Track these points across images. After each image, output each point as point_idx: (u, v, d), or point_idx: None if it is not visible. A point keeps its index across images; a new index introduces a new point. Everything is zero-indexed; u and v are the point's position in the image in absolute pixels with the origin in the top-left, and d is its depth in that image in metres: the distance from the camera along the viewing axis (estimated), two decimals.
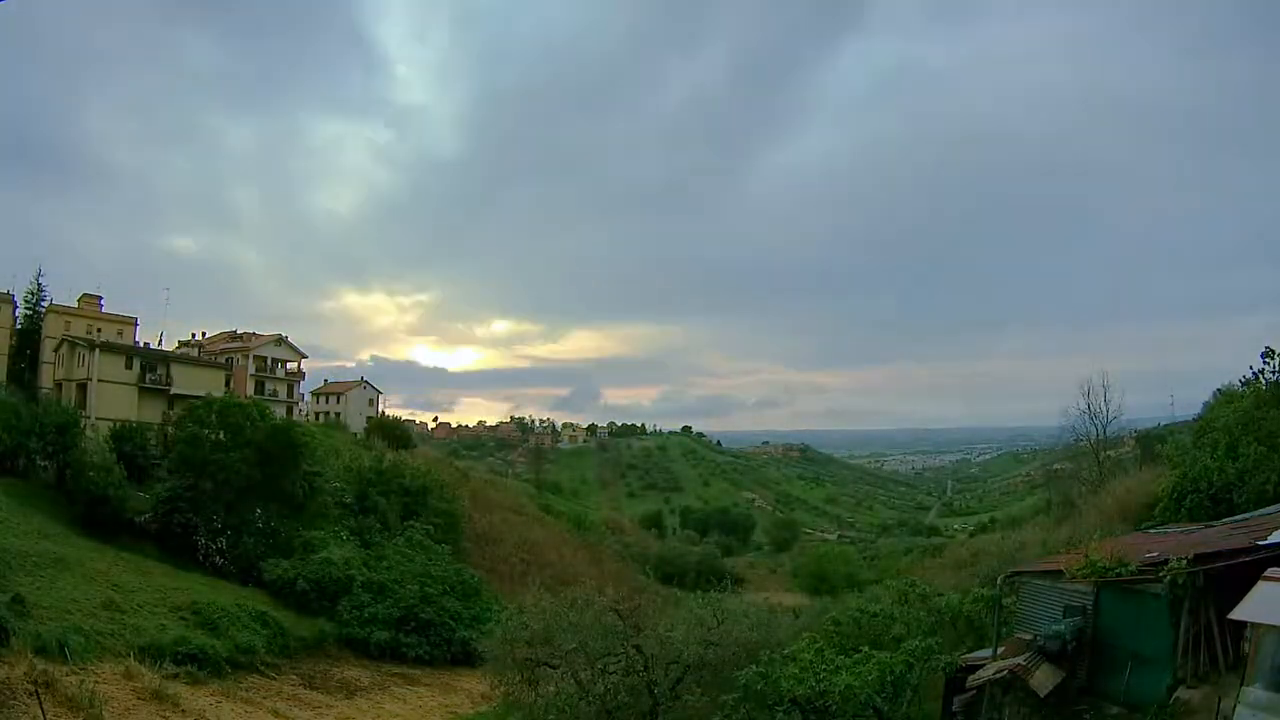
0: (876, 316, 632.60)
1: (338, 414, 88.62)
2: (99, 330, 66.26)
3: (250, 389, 72.30)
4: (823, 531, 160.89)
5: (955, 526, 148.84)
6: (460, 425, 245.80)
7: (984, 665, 13.93)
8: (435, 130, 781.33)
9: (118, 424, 48.33)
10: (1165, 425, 49.77)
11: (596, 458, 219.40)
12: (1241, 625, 10.25)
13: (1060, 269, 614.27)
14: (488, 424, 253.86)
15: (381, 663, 34.01)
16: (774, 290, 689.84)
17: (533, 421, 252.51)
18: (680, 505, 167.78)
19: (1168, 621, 11.89)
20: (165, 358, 64.83)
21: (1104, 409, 40.89)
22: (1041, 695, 12.61)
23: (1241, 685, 9.59)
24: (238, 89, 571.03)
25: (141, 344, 69.59)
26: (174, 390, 58.79)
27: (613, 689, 18.18)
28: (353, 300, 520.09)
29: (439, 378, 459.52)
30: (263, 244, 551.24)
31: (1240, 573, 10.79)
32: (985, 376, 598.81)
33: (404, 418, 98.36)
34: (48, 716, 18.09)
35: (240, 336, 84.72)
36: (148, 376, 58.83)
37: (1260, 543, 11.30)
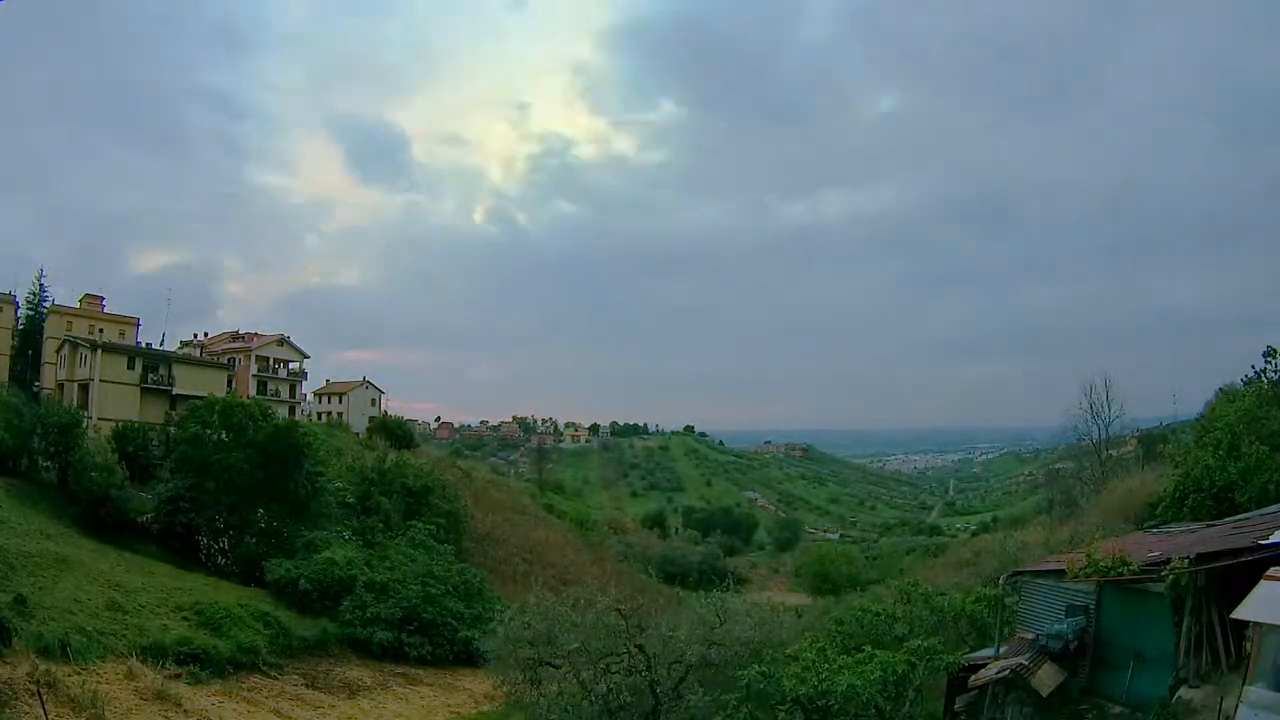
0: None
1: (340, 414, 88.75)
2: (101, 331, 66.40)
3: (252, 389, 72.47)
4: (825, 531, 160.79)
5: (957, 526, 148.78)
6: (463, 425, 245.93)
7: (986, 665, 13.92)
8: None
9: (120, 424, 48.40)
10: (1167, 425, 49.73)
11: (599, 457, 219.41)
12: (1243, 625, 10.23)
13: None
14: (490, 424, 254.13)
15: (384, 662, 34.02)
16: None
17: (535, 421, 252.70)
18: (683, 505, 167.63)
19: (1170, 621, 11.88)
20: (167, 358, 64.89)
21: (1106, 408, 40.89)
22: (1044, 695, 12.61)
23: (1243, 685, 9.58)
24: None
25: (143, 344, 69.76)
26: (176, 391, 58.87)
27: (615, 689, 18.20)
28: None
29: None
30: None
31: (1242, 572, 10.77)
32: (988, 376, 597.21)
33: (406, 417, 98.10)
34: (50, 716, 18.15)
35: (242, 337, 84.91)
36: (150, 377, 58.90)
37: (1262, 542, 11.27)
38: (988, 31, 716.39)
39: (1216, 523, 16.51)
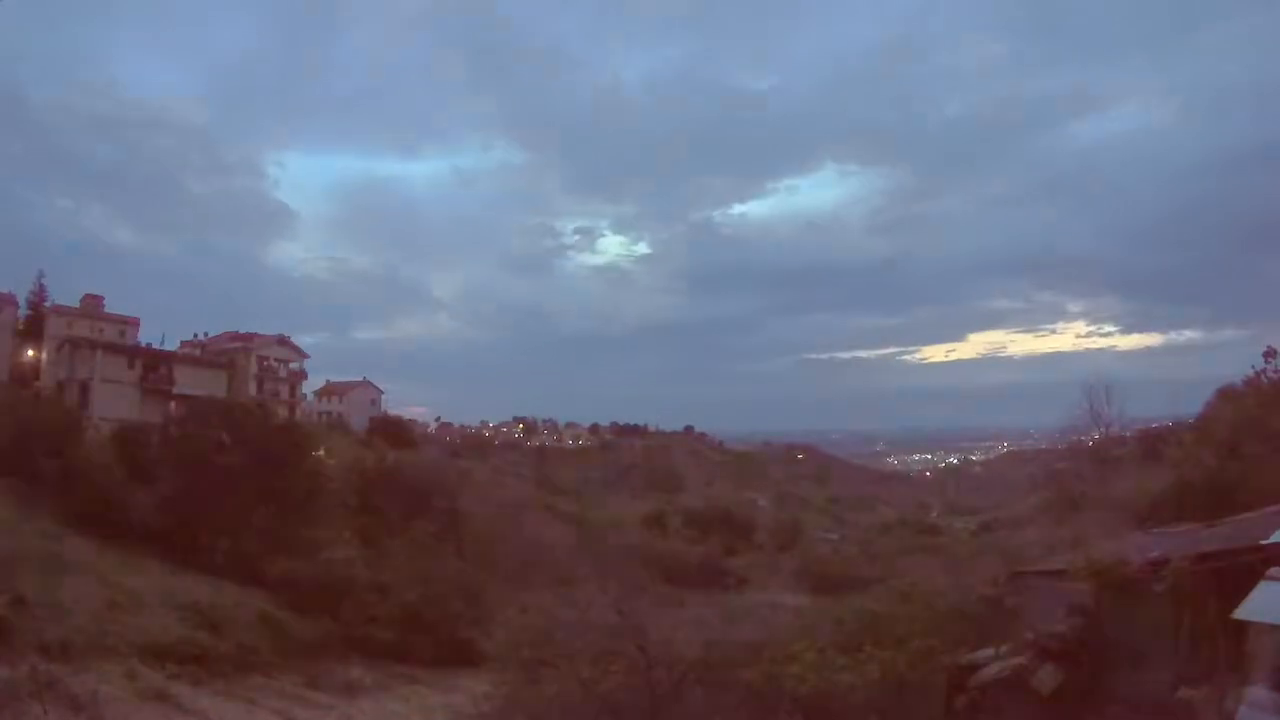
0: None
1: (340, 414, 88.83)
2: (101, 330, 66.42)
3: (252, 389, 72.52)
4: (825, 531, 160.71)
5: (957, 526, 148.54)
6: (462, 425, 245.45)
7: (986, 665, 13.93)
8: None
9: (120, 424, 48.44)
10: (1167, 425, 49.73)
11: (599, 457, 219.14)
12: (1243, 625, 10.25)
13: None
14: (490, 423, 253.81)
15: (384, 662, 34.01)
16: None
17: (535, 421, 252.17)
18: (683, 505, 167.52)
19: (1169, 621, 11.89)
20: (167, 358, 64.97)
21: (1106, 408, 40.89)
22: (1044, 695, 12.62)
23: (1244, 685, 9.59)
24: None
25: (144, 344, 69.80)
26: (176, 390, 58.92)
27: (615, 689, 18.19)
28: None
29: None
30: None
31: (1242, 572, 10.78)
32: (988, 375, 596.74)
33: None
34: (50, 716, 18.14)
35: (242, 336, 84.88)
36: (150, 376, 58.95)
37: (1262, 542, 11.27)
38: None
39: (1216, 523, 16.51)
